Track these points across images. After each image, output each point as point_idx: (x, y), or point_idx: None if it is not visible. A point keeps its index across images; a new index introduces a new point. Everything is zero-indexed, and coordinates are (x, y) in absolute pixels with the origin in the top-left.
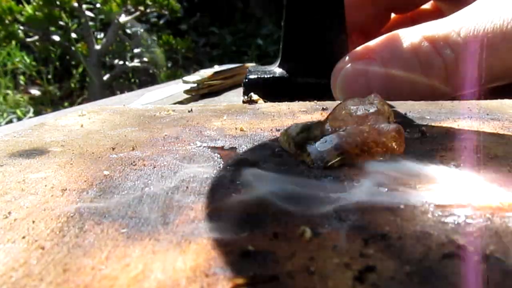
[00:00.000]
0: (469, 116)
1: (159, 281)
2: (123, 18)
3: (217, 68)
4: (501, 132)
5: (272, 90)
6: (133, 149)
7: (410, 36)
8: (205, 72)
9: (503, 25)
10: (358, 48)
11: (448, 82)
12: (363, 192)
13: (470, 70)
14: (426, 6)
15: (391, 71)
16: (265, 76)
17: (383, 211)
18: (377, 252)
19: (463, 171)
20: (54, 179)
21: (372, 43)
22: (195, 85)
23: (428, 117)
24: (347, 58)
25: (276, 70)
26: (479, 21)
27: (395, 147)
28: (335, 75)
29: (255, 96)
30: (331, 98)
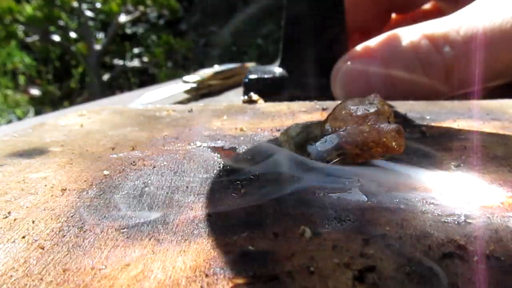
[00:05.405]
0: (469, 116)
1: (159, 281)
2: (123, 18)
3: (217, 68)
4: (501, 132)
5: (272, 90)
6: (133, 149)
7: (410, 34)
8: (205, 72)
9: (502, 24)
10: (357, 47)
11: (448, 80)
12: (363, 192)
13: (469, 68)
14: (427, 6)
15: (391, 69)
16: (265, 76)
17: (383, 211)
18: (377, 252)
19: (463, 171)
20: (54, 179)
21: (372, 41)
22: (195, 85)
23: (428, 117)
24: (346, 57)
25: (276, 70)
26: (478, 20)
27: (395, 147)
28: (335, 74)
29: (255, 96)
30: (331, 98)
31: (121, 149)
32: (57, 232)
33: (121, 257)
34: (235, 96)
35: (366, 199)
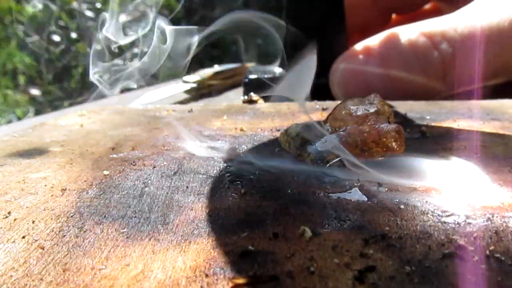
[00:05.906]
0: (469, 116)
1: (159, 281)
2: (123, 18)
3: (217, 68)
4: (501, 132)
5: (272, 90)
6: (133, 149)
7: (408, 32)
8: (205, 72)
9: (500, 23)
10: (356, 46)
11: (445, 78)
12: (363, 192)
13: (467, 66)
14: (426, 6)
15: (389, 67)
16: (265, 76)
17: (383, 211)
18: (377, 252)
19: (463, 171)
20: (54, 179)
21: (370, 40)
22: (195, 85)
23: (428, 117)
24: (344, 55)
25: (276, 70)
26: (476, 19)
27: (395, 147)
28: (333, 73)
29: (255, 96)
30: (331, 98)
31: (121, 149)
32: (57, 232)
33: (121, 257)
34: (235, 96)
35: (366, 199)
